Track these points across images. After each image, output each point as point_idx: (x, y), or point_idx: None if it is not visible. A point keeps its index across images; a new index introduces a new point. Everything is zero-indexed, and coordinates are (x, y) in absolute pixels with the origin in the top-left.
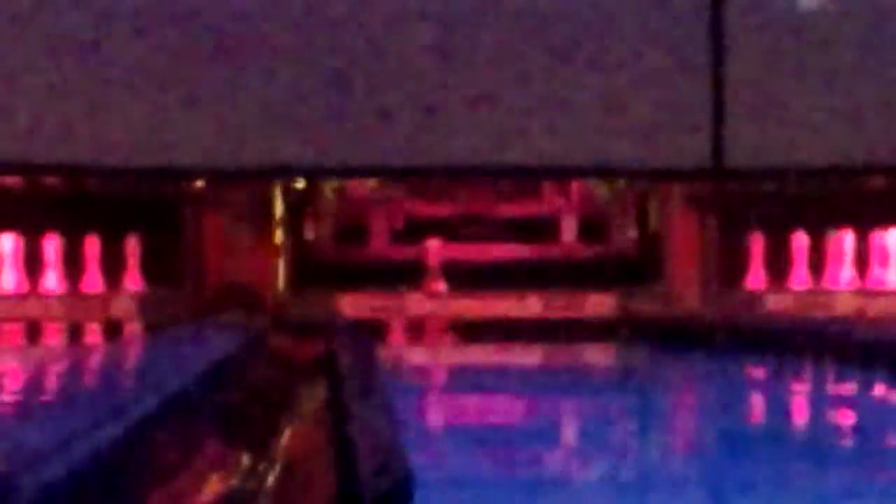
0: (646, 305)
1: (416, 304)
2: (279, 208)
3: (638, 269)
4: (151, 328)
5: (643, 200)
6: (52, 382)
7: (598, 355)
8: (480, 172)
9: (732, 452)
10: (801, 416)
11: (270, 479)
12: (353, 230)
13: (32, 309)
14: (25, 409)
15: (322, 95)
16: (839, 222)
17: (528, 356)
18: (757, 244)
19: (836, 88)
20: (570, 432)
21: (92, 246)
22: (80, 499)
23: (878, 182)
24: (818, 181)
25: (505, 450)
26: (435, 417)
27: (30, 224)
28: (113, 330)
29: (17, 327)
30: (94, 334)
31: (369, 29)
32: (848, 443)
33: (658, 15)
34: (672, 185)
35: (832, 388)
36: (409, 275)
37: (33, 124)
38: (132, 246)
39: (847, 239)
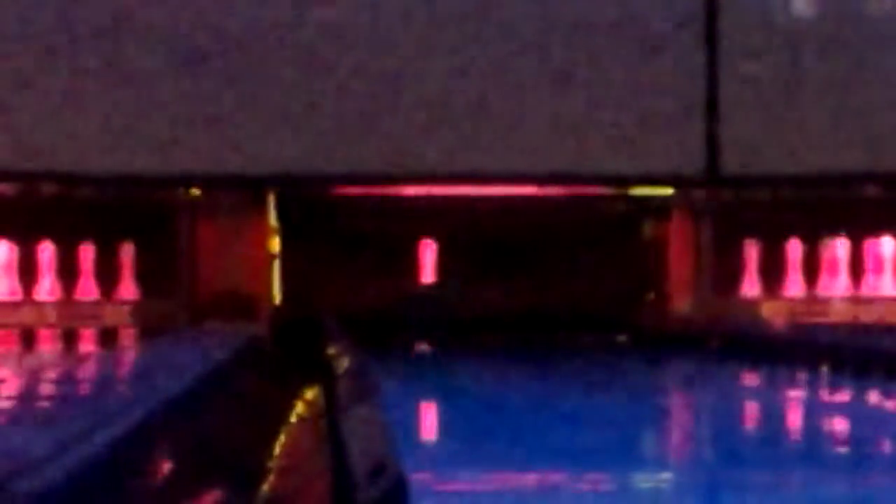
0: (640, 313)
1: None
2: (274, 216)
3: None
4: (146, 335)
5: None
6: (46, 389)
7: (592, 362)
8: (476, 179)
9: (726, 459)
10: (795, 423)
11: (264, 487)
12: None
13: (26, 316)
14: (20, 416)
15: (318, 102)
16: (834, 230)
17: (523, 362)
18: (751, 251)
19: (832, 96)
20: (565, 438)
21: (86, 253)
22: None
23: (873, 190)
24: (813, 189)
25: (500, 456)
26: (430, 421)
27: (23, 231)
28: (107, 337)
29: (11, 334)
30: (88, 342)
31: (367, 34)
32: (842, 450)
33: (653, 20)
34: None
35: (826, 396)
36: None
37: (27, 131)
38: (127, 253)
39: (842, 246)
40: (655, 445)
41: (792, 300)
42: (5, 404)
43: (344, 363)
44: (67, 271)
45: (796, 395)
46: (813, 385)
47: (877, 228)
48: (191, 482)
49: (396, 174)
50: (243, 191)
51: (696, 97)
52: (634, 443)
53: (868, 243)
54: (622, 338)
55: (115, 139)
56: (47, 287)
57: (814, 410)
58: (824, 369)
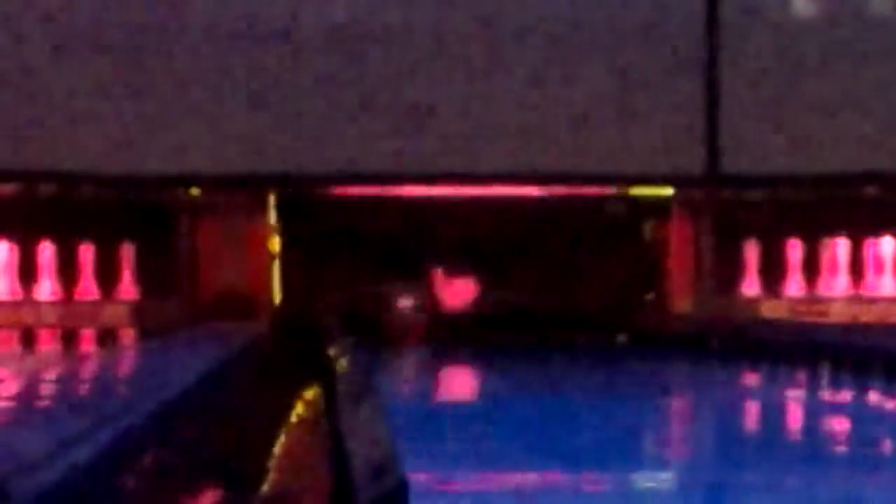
0: (641, 312)
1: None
2: (274, 216)
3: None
4: (146, 335)
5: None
6: (46, 389)
7: (592, 362)
8: (475, 179)
9: (726, 459)
10: (795, 423)
11: (264, 486)
12: None
13: (26, 316)
14: (19, 416)
15: (318, 102)
16: (834, 229)
17: (523, 362)
18: (752, 251)
19: (832, 96)
20: (565, 437)
21: (86, 253)
22: None
23: (873, 190)
24: (813, 188)
25: (500, 457)
26: (430, 421)
27: (24, 231)
28: (107, 337)
29: (11, 334)
30: (88, 342)
31: (367, 35)
32: (842, 450)
33: (653, 21)
34: (667, 192)
35: (827, 395)
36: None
37: (28, 131)
38: (126, 253)
39: (842, 246)
40: (655, 445)
41: (792, 300)
42: (5, 404)
43: (344, 363)
44: (67, 271)
45: (796, 394)
46: (813, 385)
47: (877, 228)
48: (191, 482)
49: (396, 174)
50: (243, 191)
51: (696, 97)
52: (634, 443)
53: (868, 243)
54: (622, 338)
55: (115, 139)
56: (47, 287)
57: (814, 410)
58: (824, 369)
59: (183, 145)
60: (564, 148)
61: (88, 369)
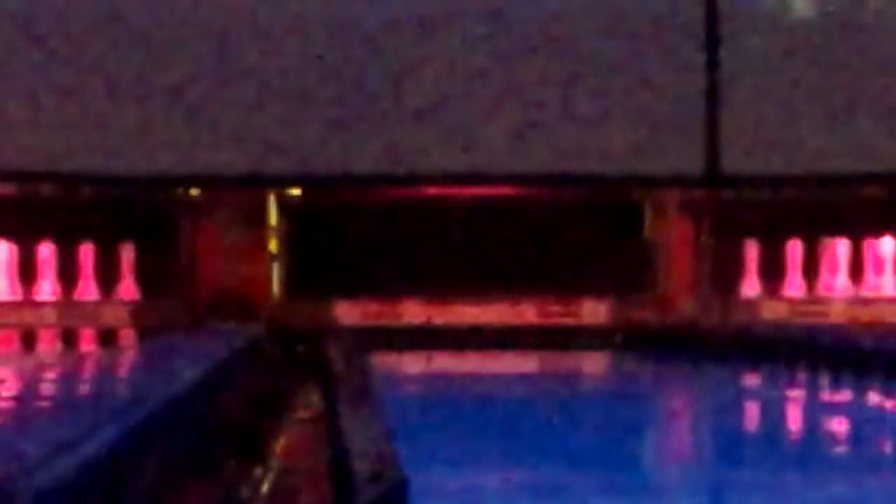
0: (641, 312)
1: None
2: (273, 216)
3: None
4: (146, 335)
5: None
6: (46, 390)
7: (592, 362)
8: (473, 181)
9: (726, 460)
10: (795, 423)
11: (264, 486)
12: None
13: (26, 316)
14: (21, 416)
15: (317, 103)
16: (834, 230)
17: (523, 363)
18: (751, 251)
19: (831, 96)
20: (565, 439)
21: (86, 253)
22: None
23: (873, 190)
24: (813, 189)
25: (500, 457)
26: (429, 424)
27: (23, 231)
28: (107, 337)
29: (11, 335)
30: (88, 342)
31: (364, 35)
32: (842, 450)
33: (652, 21)
34: (666, 192)
35: (827, 396)
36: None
37: (27, 132)
38: (126, 253)
39: (842, 247)
40: (655, 446)
41: (792, 300)
42: (5, 404)
43: (343, 363)
44: (67, 271)
45: (796, 395)
46: (813, 385)
47: (877, 228)
48: (191, 482)
49: (395, 175)
50: (243, 191)
51: (696, 97)
52: (634, 443)
53: (868, 243)
54: (622, 338)
55: (115, 140)
56: (47, 287)
57: (814, 410)
58: (824, 369)
59: (183, 145)
60: (564, 149)
61: (88, 369)
